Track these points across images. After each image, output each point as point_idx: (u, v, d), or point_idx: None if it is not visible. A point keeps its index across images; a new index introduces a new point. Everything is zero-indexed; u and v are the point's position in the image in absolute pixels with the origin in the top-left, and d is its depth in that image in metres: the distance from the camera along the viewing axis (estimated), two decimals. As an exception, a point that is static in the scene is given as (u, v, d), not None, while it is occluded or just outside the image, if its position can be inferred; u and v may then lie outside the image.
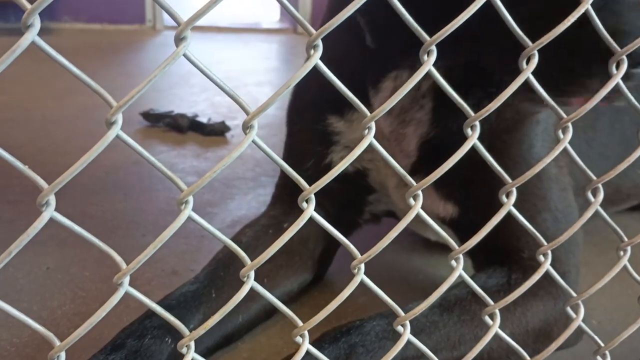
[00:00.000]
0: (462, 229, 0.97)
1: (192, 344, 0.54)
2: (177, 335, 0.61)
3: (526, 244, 0.90)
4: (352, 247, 0.58)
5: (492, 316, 0.67)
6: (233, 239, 0.92)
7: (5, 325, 0.99)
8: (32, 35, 0.39)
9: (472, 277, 0.88)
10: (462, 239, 0.97)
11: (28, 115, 2.42)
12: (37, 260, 1.24)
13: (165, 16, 5.17)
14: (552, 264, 0.69)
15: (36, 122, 2.34)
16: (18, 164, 0.42)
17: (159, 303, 0.90)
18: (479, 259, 0.93)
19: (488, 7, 0.54)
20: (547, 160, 0.61)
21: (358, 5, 0.48)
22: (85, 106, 2.51)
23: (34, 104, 2.59)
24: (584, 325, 0.73)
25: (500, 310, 0.66)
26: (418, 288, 1.22)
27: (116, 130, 0.44)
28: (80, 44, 4.39)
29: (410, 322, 0.78)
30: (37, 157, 1.92)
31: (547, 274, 0.69)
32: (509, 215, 0.63)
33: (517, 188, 0.62)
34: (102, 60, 3.78)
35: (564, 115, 0.62)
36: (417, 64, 0.55)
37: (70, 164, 0.42)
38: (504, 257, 0.90)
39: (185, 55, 0.45)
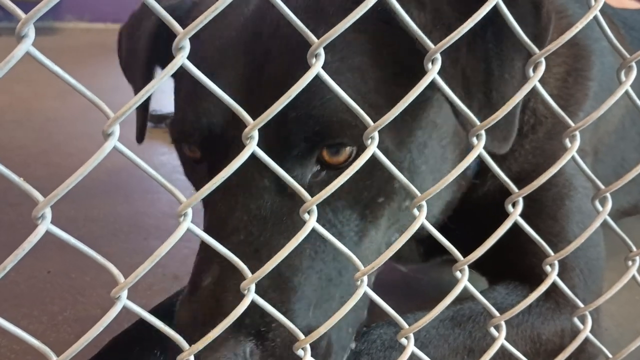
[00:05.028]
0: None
1: (192, 358, 0.53)
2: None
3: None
4: (354, 258, 0.57)
5: (498, 328, 0.65)
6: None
7: (4, 331, 0.98)
8: (26, 46, 0.38)
9: (490, 290, 0.86)
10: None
11: (31, 116, 2.41)
12: (37, 264, 1.23)
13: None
14: (572, 291, 0.69)
15: (39, 122, 2.34)
16: (13, 176, 0.41)
17: (157, 308, 0.88)
18: (498, 276, 0.90)
19: None
20: (554, 170, 0.60)
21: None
22: (88, 106, 2.44)
23: (36, 104, 2.58)
24: (591, 336, 0.72)
25: (511, 325, 0.65)
26: (424, 294, 1.21)
27: (113, 142, 0.43)
28: (84, 44, 4.39)
29: (419, 333, 0.76)
30: (40, 159, 1.91)
31: (561, 294, 0.68)
32: (529, 235, 0.63)
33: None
34: (106, 60, 3.75)
35: (572, 124, 0.60)
36: None
37: (73, 165, 0.42)
38: (524, 274, 0.87)
39: (183, 65, 0.44)
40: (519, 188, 0.61)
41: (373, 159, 0.66)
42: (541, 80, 0.57)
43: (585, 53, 0.97)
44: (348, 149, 0.64)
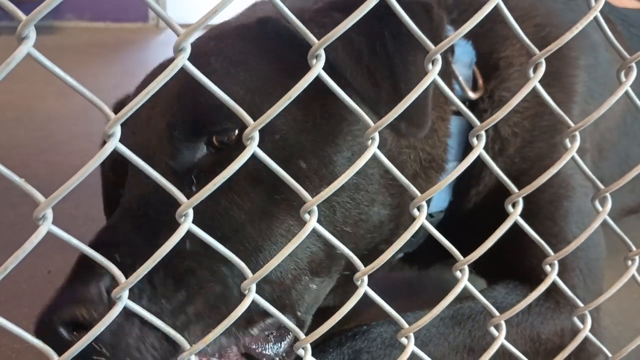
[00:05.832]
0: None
1: (193, 357, 0.53)
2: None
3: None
4: (355, 258, 0.57)
5: (498, 327, 0.66)
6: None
7: (5, 331, 0.98)
8: (27, 48, 0.39)
9: (490, 289, 0.86)
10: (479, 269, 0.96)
11: (31, 114, 2.41)
12: (38, 263, 1.23)
13: (169, 14, 5.16)
14: (572, 291, 0.69)
15: (40, 121, 2.33)
16: (15, 177, 0.41)
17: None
18: (497, 278, 0.90)
19: None
20: (554, 170, 0.60)
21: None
22: (89, 105, 2.40)
23: (37, 102, 2.58)
24: (591, 336, 0.72)
25: (510, 325, 0.65)
26: (425, 294, 1.21)
27: (114, 143, 0.43)
28: (84, 42, 4.38)
29: (419, 332, 0.77)
30: (41, 157, 1.91)
31: (561, 294, 0.68)
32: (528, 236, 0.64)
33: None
34: (106, 59, 3.77)
35: (571, 124, 0.60)
36: None
37: (74, 164, 0.42)
38: (524, 275, 0.87)
39: (184, 67, 0.44)
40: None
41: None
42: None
43: (563, 51, 0.94)
44: (236, 132, 0.70)
